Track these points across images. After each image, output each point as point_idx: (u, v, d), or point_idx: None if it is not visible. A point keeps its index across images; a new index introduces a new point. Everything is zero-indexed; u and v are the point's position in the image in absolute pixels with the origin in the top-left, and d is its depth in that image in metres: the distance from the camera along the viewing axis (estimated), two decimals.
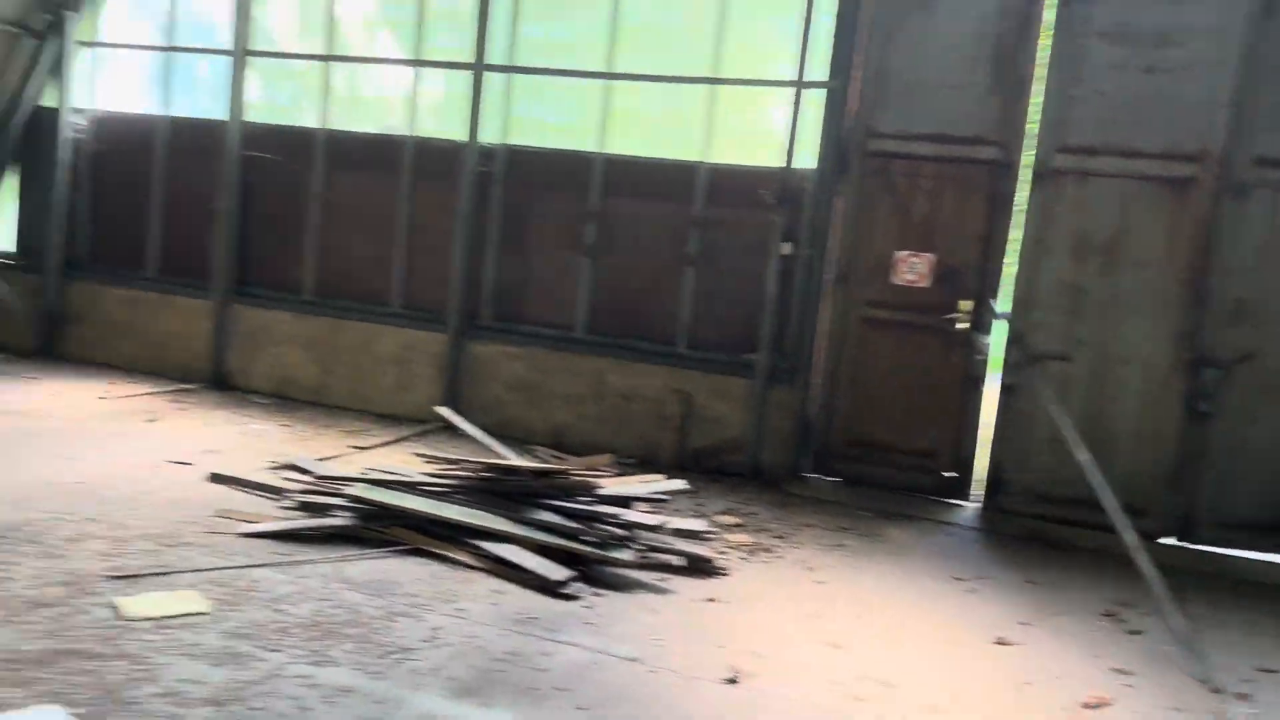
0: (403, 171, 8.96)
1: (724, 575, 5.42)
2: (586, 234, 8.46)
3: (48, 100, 10.09)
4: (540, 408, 8.48)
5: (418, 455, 6.89)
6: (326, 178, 9.20)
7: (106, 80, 10.05)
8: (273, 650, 3.91)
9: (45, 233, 9.99)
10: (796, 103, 7.78)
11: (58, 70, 9.96)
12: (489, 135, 8.67)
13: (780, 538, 6.28)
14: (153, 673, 3.60)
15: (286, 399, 9.10)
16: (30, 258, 10.13)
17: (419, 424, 8.53)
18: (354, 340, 9.06)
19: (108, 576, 4.42)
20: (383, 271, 9.10)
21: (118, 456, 6.55)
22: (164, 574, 4.53)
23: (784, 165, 7.83)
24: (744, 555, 5.81)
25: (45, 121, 10.03)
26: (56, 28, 9.88)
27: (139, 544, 4.90)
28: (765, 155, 7.95)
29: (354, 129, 9.18)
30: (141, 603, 4.16)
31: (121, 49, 9.99)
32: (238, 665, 3.74)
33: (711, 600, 5.03)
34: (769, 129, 8.07)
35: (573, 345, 8.50)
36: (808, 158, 7.78)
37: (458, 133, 8.71)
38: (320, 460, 6.81)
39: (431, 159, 8.87)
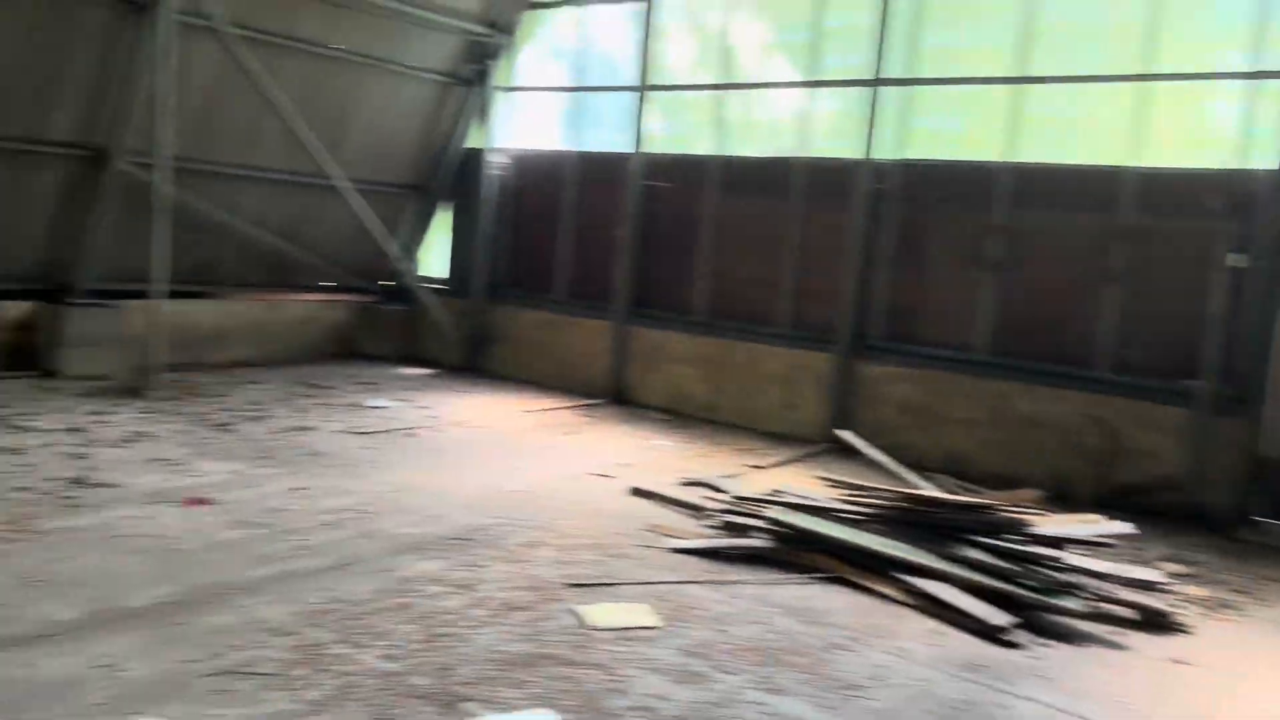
0: (792, 193, 9.00)
1: (1185, 633, 4.81)
2: (989, 249, 7.98)
3: (473, 142, 11.31)
4: (931, 431, 8.12)
5: (819, 478, 6.83)
6: (718, 202, 9.47)
7: (522, 120, 11.07)
8: (726, 672, 3.97)
9: (471, 261, 11.20)
10: (1251, 96, 6.84)
11: (482, 114, 11.13)
12: (882, 151, 8.46)
13: (1243, 593, 5.49)
14: (623, 684, 3.78)
15: (678, 415, 9.45)
16: (459, 284, 11.40)
17: (806, 444, 8.48)
18: (741, 359, 9.23)
19: (565, 584, 4.75)
20: (770, 292, 9.18)
21: (546, 466, 7.10)
22: (612, 584, 4.79)
23: (1234, 167, 6.92)
24: (1204, 611, 5.13)
25: (472, 161, 11.25)
26: (481, 76, 11.03)
27: (584, 553, 5.23)
28: (1208, 157, 7.06)
29: (745, 153, 9.38)
30: (600, 612, 4.41)
31: (536, 91, 10.96)
32: (697, 685, 3.84)
33: (1179, 662, 4.47)
34: (1212, 127, 7.16)
35: (971, 366, 8.05)
36: (1265, 158, 6.81)
37: (850, 150, 8.60)
38: (723, 478, 6.96)
39: (822, 178, 8.83)
